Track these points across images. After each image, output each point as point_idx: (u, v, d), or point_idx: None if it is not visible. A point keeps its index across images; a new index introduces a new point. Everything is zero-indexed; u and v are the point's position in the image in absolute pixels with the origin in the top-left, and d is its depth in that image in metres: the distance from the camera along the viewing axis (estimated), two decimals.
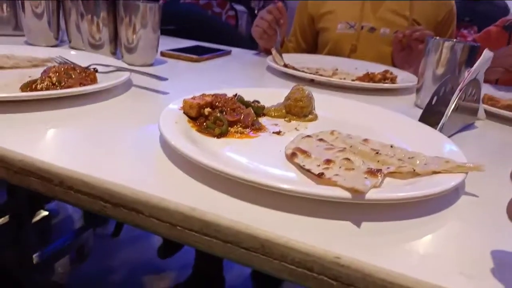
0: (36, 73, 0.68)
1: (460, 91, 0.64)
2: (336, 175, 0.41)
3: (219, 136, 0.53)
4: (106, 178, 0.41)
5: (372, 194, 0.37)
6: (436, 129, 0.61)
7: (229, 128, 0.55)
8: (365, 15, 1.27)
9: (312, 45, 1.41)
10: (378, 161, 0.49)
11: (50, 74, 0.62)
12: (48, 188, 0.43)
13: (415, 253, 0.35)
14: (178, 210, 0.38)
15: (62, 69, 0.64)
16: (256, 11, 1.81)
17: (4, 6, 1.09)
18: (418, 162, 0.48)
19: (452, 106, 0.64)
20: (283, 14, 1.13)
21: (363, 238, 0.36)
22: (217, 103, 0.57)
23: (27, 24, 0.99)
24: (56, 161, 0.43)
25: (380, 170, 0.44)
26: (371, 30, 1.27)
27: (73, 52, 0.88)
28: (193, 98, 0.57)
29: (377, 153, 0.50)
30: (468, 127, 0.74)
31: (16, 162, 0.44)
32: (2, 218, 1.53)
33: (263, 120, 0.62)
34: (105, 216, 0.42)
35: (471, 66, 0.68)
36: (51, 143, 0.51)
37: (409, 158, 0.49)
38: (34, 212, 1.87)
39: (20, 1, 0.96)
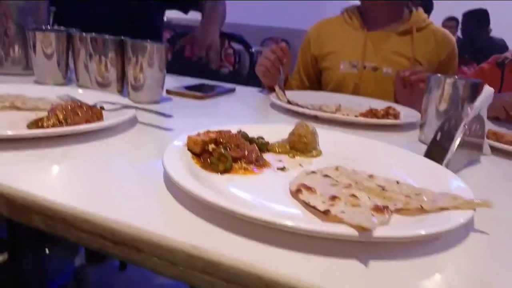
0: (44, 111, 0.69)
1: (464, 127, 0.64)
2: (342, 212, 0.41)
3: (223, 172, 0.53)
4: (108, 215, 0.40)
5: (380, 232, 0.36)
6: (442, 164, 0.61)
7: (233, 164, 0.54)
8: (368, 55, 1.29)
9: (315, 83, 1.43)
10: (384, 198, 0.48)
11: (57, 112, 0.63)
12: (49, 225, 0.43)
13: None
14: (180, 249, 0.37)
15: (69, 107, 0.66)
16: (252, 49, 1.86)
17: (16, 47, 1.13)
18: (425, 198, 0.47)
19: (457, 141, 0.63)
20: (286, 54, 1.16)
21: (370, 278, 0.35)
22: (221, 140, 0.57)
23: (37, 63, 1.02)
24: (58, 198, 0.43)
25: (387, 206, 0.43)
26: (374, 70, 1.29)
27: (80, 90, 0.89)
28: (198, 134, 0.57)
29: (383, 189, 0.49)
30: (473, 162, 0.73)
31: (18, 199, 0.44)
32: (1, 255, 1.51)
33: (267, 156, 0.62)
34: (106, 254, 0.41)
35: (473, 102, 0.69)
36: (54, 180, 0.50)
37: (416, 194, 0.48)
38: (34, 250, 1.84)
39: (31, 42, 0.99)
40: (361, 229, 0.36)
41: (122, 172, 0.55)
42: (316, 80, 1.43)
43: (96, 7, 1.64)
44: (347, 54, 1.31)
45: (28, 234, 1.69)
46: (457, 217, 0.41)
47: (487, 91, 0.66)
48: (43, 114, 0.68)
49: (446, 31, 1.36)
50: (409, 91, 1.14)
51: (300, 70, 1.44)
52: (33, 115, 0.68)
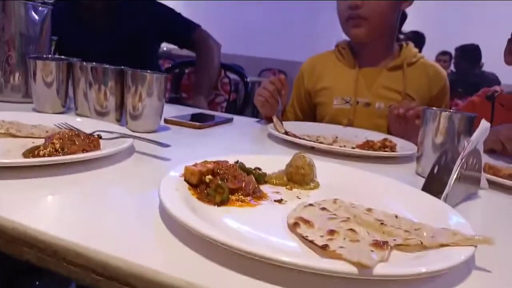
0: (39, 139, 0.69)
1: (461, 161, 0.64)
2: (341, 247, 0.40)
3: (220, 204, 0.52)
4: (100, 249, 0.39)
5: (380, 269, 0.36)
6: (439, 198, 0.60)
7: (230, 196, 0.54)
8: (360, 91, 1.30)
9: (309, 117, 1.43)
10: (383, 232, 0.47)
11: (54, 140, 0.63)
12: (40, 258, 0.41)
13: None
14: (174, 285, 0.36)
15: (66, 135, 0.65)
16: (247, 78, 1.92)
17: (17, 74, 1.14)
18: (425, 234, 0.46)
19: (454, 176, 0.63)
20: (284, 85, 1.18)
21: None
22: (218, 170, 0.57)
23: (36, 91, 1.02)
24: (50, 230, 0.42)
25: (387, 242, 0.42)
26: (366, 105, 1.30)
27: (78, 119, 0.90)
28: (195, 165, 0.57)
29: (382, 223, 0.48)
30: (471, 196, 0.73)
31: (9, 230, 0.43)
32: None
33: (264, 188, 0.61)
34: None
35: (470, 135, 0.69)
36: (48, 211, 0.49)
37: (415, 229, 0.48)
38: (25, 284, 1.79)
39: (32, 70, 1.00)
40: (360, 266, 0.35)
41: (117, 203, 0.54)
42: (310, 114, 1.44)
43: (96, 38, 1.68)
44: (340, 90, 1.32)
45: (18, 268, 1.64)
46: (458, 254, 0.40)
47: (484, 125, 0.67)
48: (39, 141, 0.67)
49: (438, 66, 1.39)
50: (404, 126, 1.14)
51: (294, 103, 1.46)
52: (28, 142, 0.68)
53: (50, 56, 1.10)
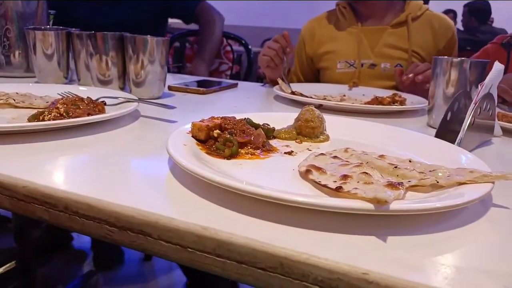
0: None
1: (475, 105, 0.62)
2: (355, 188, 0.39)
3: (229, 157, 0.51)
4: (112, 201, 0.39)
5: (397, 205, 0.35)
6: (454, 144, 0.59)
7: (239, 149, 0.53)
8: (363, 52, 1.26)
9: (313, 81, 1.40)
10: (397, 175, 0.46)
11: (58, 105, 0.62)
12: (52, 214, 0.41)
13: (451, 266, 0.31)
14: (189, 230, 0.35)
15: (70, 100, 0.64)
16: (249, 45, 1.89)
17: (17, 50, 1.12)
18: (440, 174, 0.45)
19: (468, 120, 0.62)
20: (289, 43, 1.15)
21: (391, 253, 0.33)
22: (226, 125, 0.56)
23: (38, 64, 1.01)
24: (61, 186, 0.42)
25: (401, 183, 0.42)
26: (372, 67, 1.26)
27: (82, 88, 0.88)
28: (202, 121, 0.56)
29: (396, 167, 0.47)
30: (485, 144, 0.72)
31: (20, 189, 0.42)
32: (9, 264, 1.50)
33: (273, 142, 0.60)
34: (111, 242, 0.40)
35: (482, 82, 0.67)
36: (56, 170, 0.49)
37: (430, 171, 0.47)
38: (42, 258, 1.84)
39: (31, 42, 0.98)
40: (376, 202, 0.34)
41: (126, 161, 0.53)
42: (313, 78, 1.41)
43: (99, 11, 1.65)
44: (343, 54, 1.28)
45: (36, 243, 1.69)
46: (477, 190, 0.39)
47: (497, 67, 0.64)
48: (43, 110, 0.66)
49: (444, 16, 1.31)
50: (412, 89, 1.11)
51: (297, 70, 1.43)
52: (33, 112, 0.67)
53: (48, 27, 1.07)
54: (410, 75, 1.07)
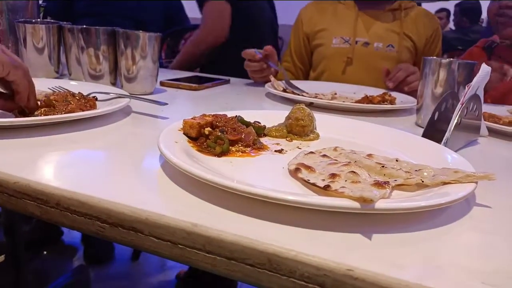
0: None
1: (462, 105, 0.63)
2: (343, 187, 0.40)
3: (220, 155, 0.52)
4: (103, 197, 0.39)
5: (382, 204, 0.36)
6: (440, 144, 0.60)
7: (230, 147, 0.54)
8: (359, 31, 1.33)
9: (307, 64, 1.46)
10: (384, 175, 0.47)
11: (51, 99, 0.62)
12: (44, 210, 0.42)
13: (432, 264, 0.33)
14: (179, 227, 0.36)
15: (61, 96, 0.64)
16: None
17: (8, 44, 1.11)
18: (426, 173, 0.46)
19: (454, 120, 0.63)
20: (270, 52, 1.16)
21: (375, 250, 0.34)
22: (217, 123, 0.56)
23: (28, 58, 1.00)
24: (52, 182, 0.42)
25: (388, 182, 0.43)
26: (365, 45, 1.33)
27: (73, 82, 0.88)
28: (193, 118, 0.56)
29: (383, 166, 0.48)
30: (471, 144, 0.73)
31: (11, 184, 0.42)
32: None
33: (264, 140, 0.61)
34: (102, 238, 0.40)
35: (469, 83, 0.68)
36: (49, 165, 0.49)
37: (416, 170, 0.48)
38: (32, 252, 1.83)
39: (21, 35, 0.97)
40: (363, 200, 0.35)
41: (118, 157, 0.54)
42: (308, 61, 1.46)
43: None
44: (339, 31, 1.35)
45: (26, 237, 1.67)
46: (460, 190, 0.41)
47: (484, 69, 0.66)
48: None
49: (430, 12, 1.44)
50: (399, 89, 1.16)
51: (292, 52, 1.47)
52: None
53: (39, 20, 1.06)
54: (390, 84, 1.17)
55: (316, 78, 1.39)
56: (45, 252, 1.90)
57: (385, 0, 1.35)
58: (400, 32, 1.31)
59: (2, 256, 1.50)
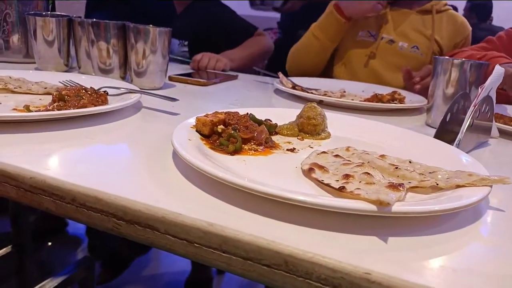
0: (47, 98, 0.68)
1: (474, 107, 0.63)
2: (358, 189, 0.40)
3: (233, 153, 0.52)
4: (119, 194, 0.39)
5: (399, 207, 0.36)
6: (452, 145, 0.60)
7: (243, 145, 0.54)
8: (387, 28, 1.33)
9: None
10: (398, 176, 0.47)
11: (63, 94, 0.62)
12: (59, 206, 0.42)
13: (448, 268, 0.33)
14: (196, 226, 0.36)
15: (74, 90, 0.64)
16: None
17: (17, 34, 1.11)
18: (439, 176, 0.46)
19: (467, 122, 0.63)
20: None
21: (392, 253, 0.34)
22: (230, 121, 0.56)
23: (38, 51, 1.00)
24: (68, 178, 0.42)
25: (402, 184, 0.43)
26: (390, 42, 1.32)
27: (83, 76, 0.88)
28: (206, 115, 0.56)
29: (396, 168, 0.48)
30: (482, 145, 0.73)
31: (27, 180, 0.43)
32: (5, 248, 1.50)
33: (275, 138, 0.61)
34: (118, 235, 0.40)
35: (481, 84, 0.68)
36: (63, 161, 0.49)
37: (429, 173, 0.48)
38: (38, 243, 1.84)
39: (31, 28, 0.97)
40: (379, 203, 0.35)
41: (131, 153, 0.54)
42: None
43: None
44: (366, 25, 1.35)
45: (31, 228, 1.69)
46: (475, 194, 0.40)
47: (497, 70, 0.65)
48: (45, 97, 0.66)
49: (464, 19, 1.39)
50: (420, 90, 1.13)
51: None
52: (31, 98, 0.67)
53: (49, 13, 1.06)
54: (417, 87, 1.12)
55: (338, 68, 1.39)
56: (49, 243, 1.92)
57: (416, 2, 1.33)
58: (430, 36, 1.29)
59: (9, 246, 1.51)
